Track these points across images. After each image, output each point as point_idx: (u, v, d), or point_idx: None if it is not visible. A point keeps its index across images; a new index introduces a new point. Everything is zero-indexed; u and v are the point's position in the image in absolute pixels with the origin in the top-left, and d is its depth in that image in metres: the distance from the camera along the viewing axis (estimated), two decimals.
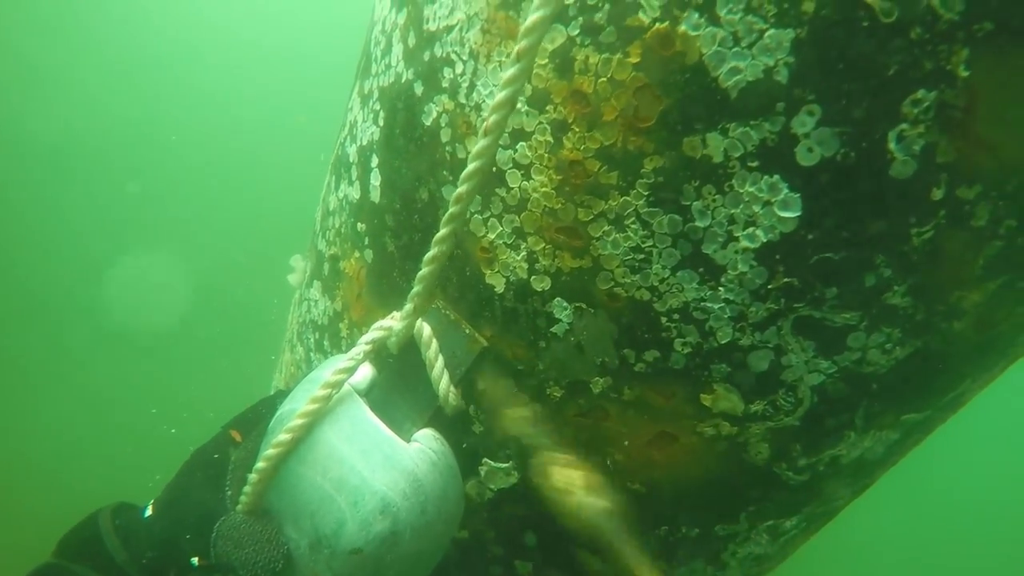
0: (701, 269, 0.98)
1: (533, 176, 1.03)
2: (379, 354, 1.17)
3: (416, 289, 1.06)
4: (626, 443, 1.17)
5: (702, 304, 1.01)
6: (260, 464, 1.08)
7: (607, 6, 0.91)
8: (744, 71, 0.86)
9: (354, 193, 1.38)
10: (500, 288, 1.13)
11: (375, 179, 1.30)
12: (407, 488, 1.06)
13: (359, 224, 1.36)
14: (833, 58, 0.82)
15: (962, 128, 0.83)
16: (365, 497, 1.04)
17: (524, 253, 1.08)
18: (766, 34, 0.83)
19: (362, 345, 1.12)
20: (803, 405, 1.10)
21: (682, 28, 0.87)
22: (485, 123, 0.94)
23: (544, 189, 1.03)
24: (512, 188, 1.06)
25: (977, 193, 0.88)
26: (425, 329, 1.12)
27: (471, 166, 0.97)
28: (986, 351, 1.11)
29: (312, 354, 1.60)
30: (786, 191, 0.90)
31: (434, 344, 1.12)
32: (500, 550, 1.38)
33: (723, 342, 1.03)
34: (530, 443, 1.12)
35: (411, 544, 1.08)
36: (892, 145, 0.85)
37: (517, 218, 1.07)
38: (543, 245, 1.06)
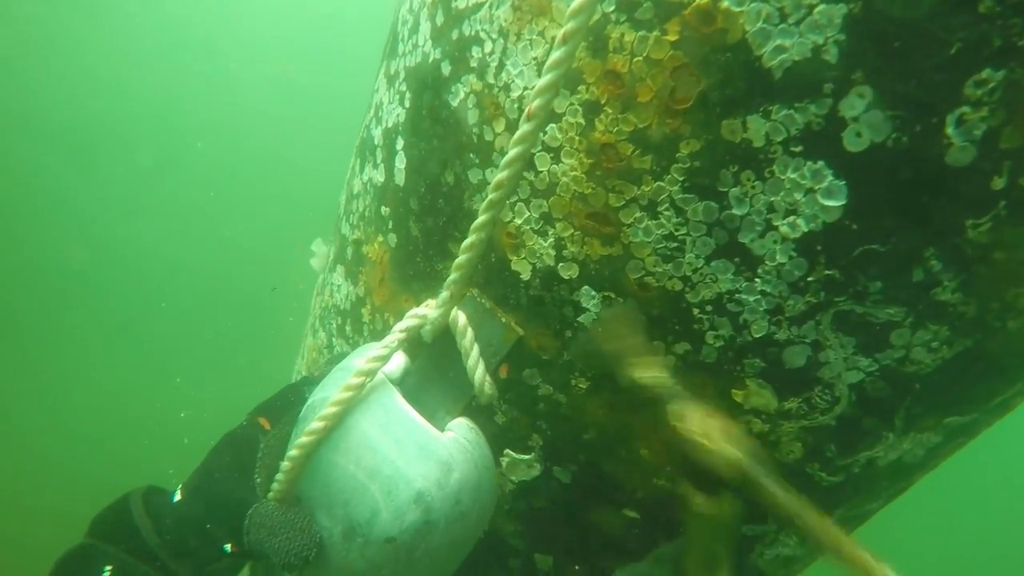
0: (737, 259, 0.94)
1: (563, 159, 0.99)
2: (413, 342, 1.14)
3: (452, 277, 1.04)
4: (653, 438, 1.13)
5: (737, 296, 0.96)
6: (293, 452, 1.07)
7: None
8: (790, 49, 0.81)
9: (379, 176, 1.35)
10: (526, 275, 1.09)
11: (400, 162, 1.27)
12: (441, 478, 1.05)
13: (383, 208, 1.34)
14: (889, 35, 0.77)
15: None
16: (399, 487, 1.03)
17: (552, 239, 1.05)
18: (816, 10, 0.78)
19: (396, 333, 1.10)
20: (840, 404, 1.05)
21: (724, 4, 0.82)
22: (528, 107, 0.90)
23: (574, 173, 0.99)
24: (541, 172, 1.02)
25: None
26: (460, 317, 1.10)
27: (512, 151, 0.93)
28: None
29: (334, 339, 1.59)
30: (831, 178, 0.85)
31: (469, 333, 1.10)
32: (520, 543, 1.35)
33: (758, 336, 0.98)
34: (662, 392, 1.04)
35: (445, 534, 1.07)
36: (950, 130, 0.80)
37: (545, 203, 1.03)
38: (572, 231, 1.02)
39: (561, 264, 1.05)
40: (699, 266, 0.96)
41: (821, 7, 0.78)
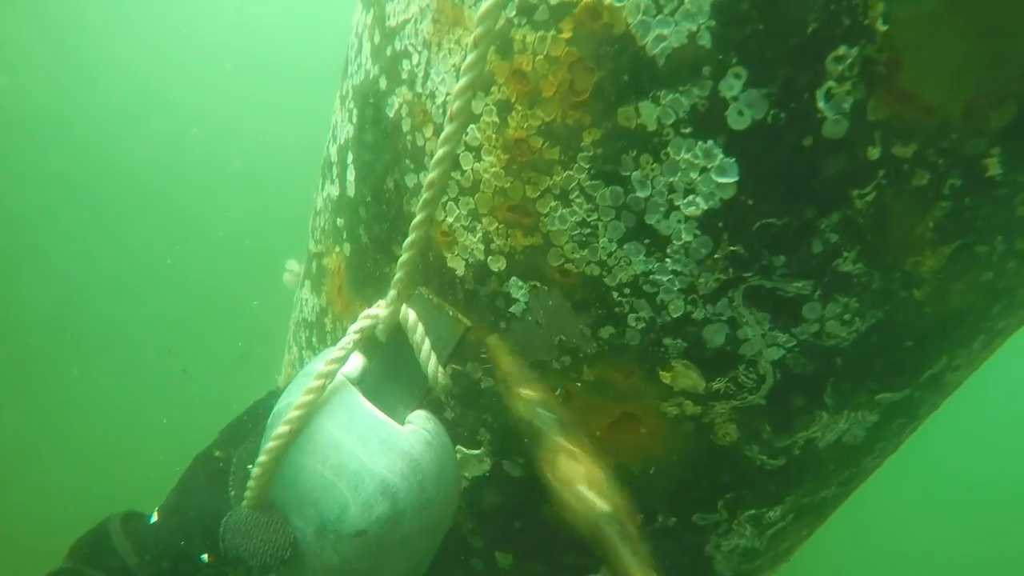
0: (647, 240, 0.99)
1: (483, 157, 1.06)
2: (368, 342, 1.20)
3: (398, 276, 1.09)
4: (591, 426, 1.17)
5: (651, 277, 1.01)
6: (262, 458, 1.11)
7: None
8: (669, 38, 0.88)
9: (334, 191, 1.43)
10: (461, 271, 1.16)
11: (350, 174, 1.35)
12: (405, 468, 1.08)
13: (338, 219, 1.41)
14: (753, 19, 0.84)
15: (888, 84, 0.83)
16: (365, 480, 1.06)
17: (480, 234, 1.11)
18: (686, 0, 0.85)
19: (351, 335, 1.16)
20: (766, 382, 1.09)
21: (607, 0, 0.89)
22: (450, 110, 0.97)
23: (494, 169, 1.06)
24: (465, 170, 1.09)
25: (914, 151, 0.87)
26: (410, 315, 1.15)
27: (439, 151, 0.99)
28: (957, 324, 1.08)
29: (304, 351, 1.65)
30: (721, 156, 0.91)
31: (420, 328, 1.15)
32: (479, 542, 1.38)
33: (676, 316, 1.03)
34: (539, 427, 1.10)
35: (413, 522, 1.10)
36: (821, 104, 0.86)
37: (472, 200, 1.10)
38: (496, 225, 1.09)
39: (490, 257, 1.11)
40: (613, 250, 1.01)
41: None
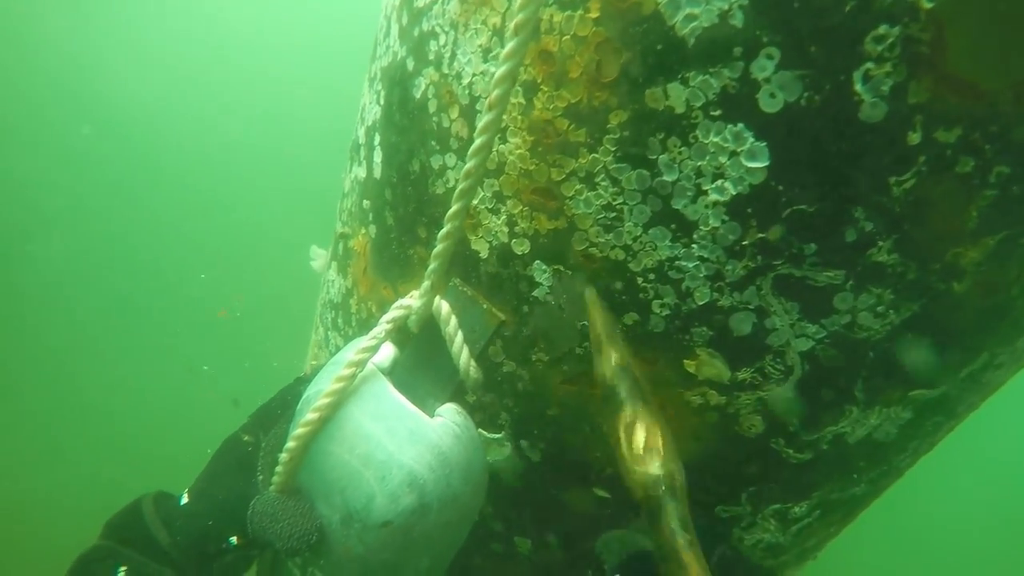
0: (673, 225, 0.97)
1: (509, 139, 1.05)
2: (400, 333, 1.20)
3: (432, 267, 1.09)
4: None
5: (676, 263, 0.99)
6: (290, 444, 1.12)
7: None
8: (700, 17, 0.85)
9: (362, 172, 1.43)
10: (484, 253, 1.15)
11: (377, 156, 1.35)
12: (432, 461, 1.09)
13: (364, 201, 1.42)
14: None
15: (932, 65, 0.79)
16: (392, 471, 1.06)
17: (504, 217, 1.10)
18: None
19: (383, 324, 1.15)
20: (794, 374, 1.06)
21: None
22: (488, 98, 0.95)
23: (519, 151, 1.04)
24: (492, 152, 1.08)
25: (958, 136, 0.83)
26: (443, 306, 1.14)
27: (477, 141, 0.98)
28: (1000, 319, 1.04)
29: (329, 332, 1.66)
30: (752, 140, 0.88)
31: (453, 320, 1.14)
32: (499, 525, 1.38)
33: (701, 303, 1.01)
34: (621, 395, 1.04)
35: (439, 515, 1.11)
36: (858, 87, 0.82)
37: (496, 182, 1.09)
38: (521, 208, 1.07)
39: (514, 240, 1.10)
40: (638, 234, 0.99)
41: None
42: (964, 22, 0.77)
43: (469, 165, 1.00)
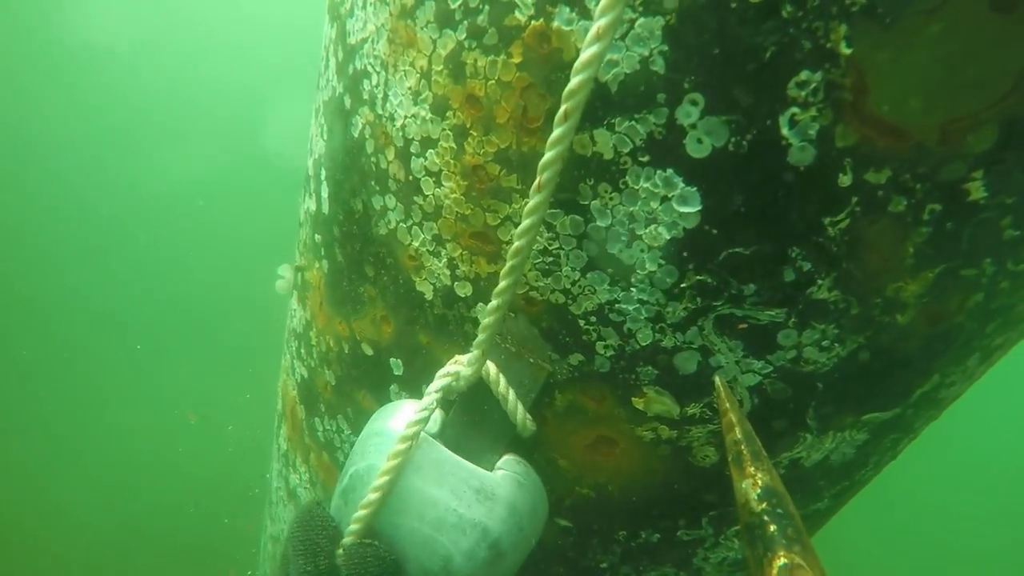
0: (610, 270, 0.95)
1: (443, 183, 1.03)
2: (445, 396, 1.15)
3: (481, 337, 1.04)
4: (568, 448, 1.15)
5: (617, 306, 0.98)
6: (353, 527, 1.11)
7: (487, 7, 0.89)
8: (620, 63, 0.82)
9: (312, 205, 1.41)
10: (429, 295, 1.13)
11: (324, 191, 1.33)
12: (503, 513, 1.09)
13: (316, 235, 1.40)
14: (707, 43, 0.78)
15: (856, 109, 0.77)
16: (466, 531, 1.08)
17: (445, 260, 1.08)
18: (636, 23, 0.80)
19: (432, 395, 1.11)
20: (744, 407, 1.05)
21: (555, 24, 0.84)
22: (538, 180, 0.87)
23: (454, 195, 1.02)
24: (427, 195, 1.06)
25: (888, 177, 0.81)
26: (490, 367, 1.11)
27: (525, 222, 0.90)
28: (948, 344, 1.03)
29: (295, 361, 1.65)
30: (682, 185, 0.86)
31: (502, 380, 1.11)
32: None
33: (644, 344, 1.00)
34: (772, 530, 0.91)
35: (513, 557, 1.13)
36: (785, 131, 0.80)
37: (435, 225, 1.07)
38: (460, 251, 1.06)
39: (456, 283, 1.08)
40: (576, 278, 0.98)
41: (641, 20, 0.80)
42: (884, 68, 0.75)
43: (517, 244, 0.92)
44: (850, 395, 1.06)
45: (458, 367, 1.08)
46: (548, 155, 0.82)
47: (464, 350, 1.13)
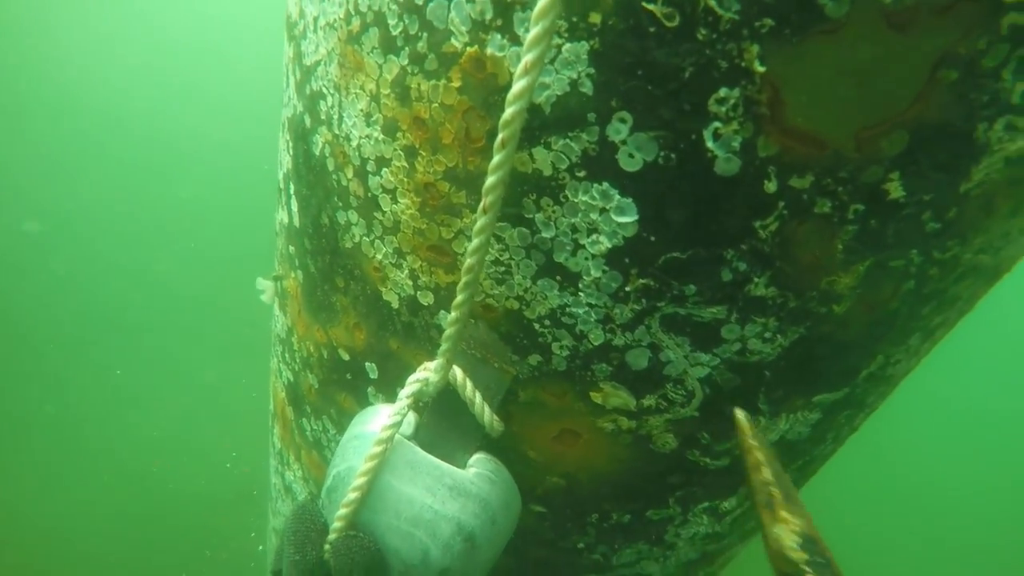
0: (558, 277, 1.00)
1: (399, 199, 1.07)
2: (418, 401, 1.21)
3: (444, 347, 1.09)
4: (535, 441, 1.21)
5: (568, 310, 1.03)
6: (336, 524, 1.18)
7: (425, 34, 0.93)
8: (552, 86, 0.86)
9: (284, 217, 1.46)
10: (395, 304, 1.18)
11: (294, 204, 1.37)
12: (475, 508, 1.16)
13: (290, 247, 1.45)
14: (630, 65, 0.82)
15: (774, 121, 0.81)
16: (441, 526, 1.14)
17: (406, 271, 1.13)
18: (564, 48, 0.84)
19: (403, 400, 1.17)
20: (696, 397, 1.11)
21: (489, 50, 0.88)
22: (483, 203, 0.91)
23: (410, 211, 1.07)
24: (385, 211, 1.10)
25: (811, 182, 0.86)
26: (457, 372, 1.16)
27: (475, 241, 0.95)
28: (886, 329, 1.08)
29: (280, 364, 1.71)
30: (618, 197, 0.91)
31: (468, 384, 1.17)
32: None
33: (597, 344, 1.05)
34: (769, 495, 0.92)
35: (487, 550, 1.20)
36: (710, 144, 0.84)
37: (395, 239, 1.12)
38: (420, 263, 1.11)
39: (419, 292, 1.14)
40: (528, 286, 1.03)
41: (568, 45, 0.83)
42: (797, 83, 0.79)
43: (469, 261, 0.97)
44: (798, 380, 1.11)
45: (427, 374, 1.14)
46: (490, 180, 0.87)
47: (431, 354, 1.19)
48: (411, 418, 1.21)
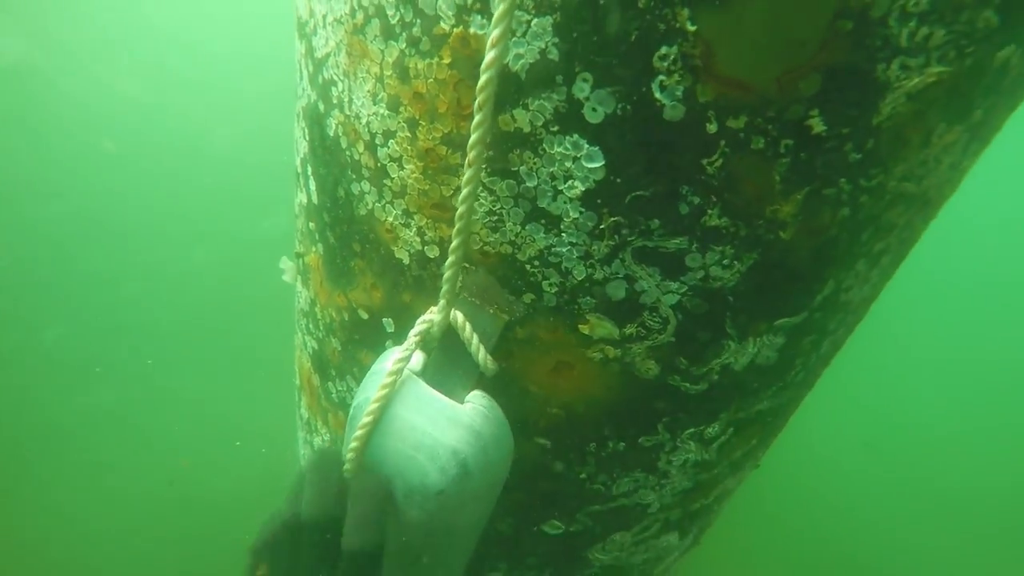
0: (543, 221, 1.18)
1: (404, 166, 1.25)
2: (426, 342, 1.39)
3: (444, 289, 1.27)
4: (534, 375, 1.39)
5: (553, 250, 1.20)
6: (352, 444, 1.34)
7: (419, 21, 1.11)
8: (525, 55, 1.04)
9: (303, 198, 1.64)
10: (407, 260, 1.36)
11: (312, 184, 1.56)
12: (469, 438, 1.32)
13: (310, 223, 1.63)
14: (588, 33, 1.00)
15: (708, 71, 0.99)
16: (439, 451, 1.30)
17: (414, 230, 1.31)
18: (532, 23, 1.02)
19: (412, 338, 1.34)
20: (671, 323, 1.28)
21: (472, 30, 1.06)
22: (468, 158, 1.10)
23: (415, 175, 1.25)
24: (393, 178, 1.28)
25: (745, 122, 1.03)
26: (458, 316, 1.33)
27: (463, 191, 1.13)
28: (830, 254, 1.24)
29: (305, 337, 1.90)
30: (587, 146, 1.08)
31: (468, 327, 1.34)
32: None
33: (580, 278, 1.22)
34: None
35: (481, 478, 1.35)
36: (658, 95, 1.02)
37: (403, 201, 1.30)
38: (425, 221, 1.29)
39: (426, 247, 1.32)
40: (518, 231, 1.20)
41: (535, 20, 1.01)
42: (724, 37, 0.96)
43: (461, 209, 1.16)
44: (759, 304, 1.28)
45: (431, 316, 1.32)
46: (472, 138, 1.05)
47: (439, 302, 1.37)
48: (420, 357, 1.39)
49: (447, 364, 1.41)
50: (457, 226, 1.15)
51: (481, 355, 1.36)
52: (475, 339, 1.35)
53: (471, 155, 1.06)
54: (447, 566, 1.43)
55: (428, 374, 1.39)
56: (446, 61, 1.11)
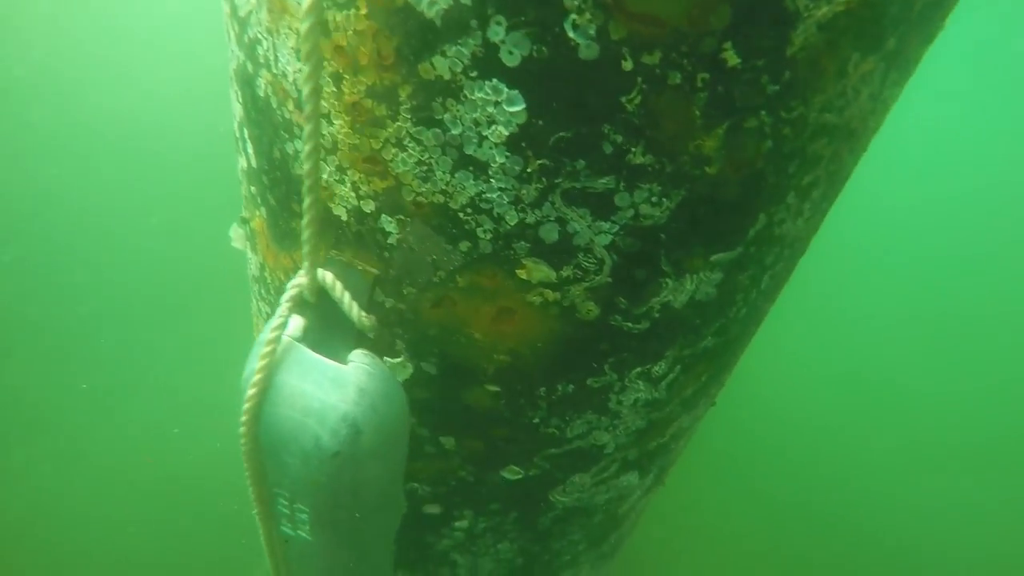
0: (471, 168, 1.19)
1: (333, 121, 1.25)
2: (301, 306, 1.42)
3: (305, 249, 1.30)
4: (478, 322, 1.41)
5: (484, 196, 1.22)
6: (243, 418, 1.38)
7: None
8: (439, 2, 1.04)
9: (244, 162, 1.64)
10: (344, 217, 1.37)
11: (249, 148, 1.55)
12: (355, 396, 1.35)
13: (251, 187, 1.63)
14: None
15: (620, 8, 1.00)
16: (327, 414, 1.33)
17: (349, 185, 1.32)
18: None
19: (284, 304, 1.38)
20: (606, 263, 1.30)
21: None
22: (304, 92, 1.14)
23: (344, 130, 1.25)
24: (324, 135, 1.28)
25: (660, 58, 1.04)
26: (327, 276, 1.36)
27: (306, 147, 1.18)
28: (759, 187, 1.27)
29: (259, 303, 1.91)
30: (507, 90, 1.09)
31: (338, 285, 1.37)
32: (425, 431, 1.66)
33: (512, 224, 1.24)
34: None
35: (374, 436, 1.38)
36: (571, 34, 1.02)
37: (336, 158, 1.30)
38: (359, 175, 1.29)
39: (362, 201, 1.32)
40: (448, 180, 1.22)
41: None
42: None
43: (307, 167, 1.20)
44: (692, 240, 1.31)
45: (300, 279, 1.34)
46: (304, 91, 1.07)
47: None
48: (299, 322, 1.41)
49: (326, 326, 1.44)
50: (306, 183, 1.17)
51: (355, 312, 1.38)
52: (347, 297, 1.37)
53: (307, 109, 1.09)
54: (374, 529, 1.48)
55: (309, 338, 1.41)
56: (363, 11, 1.11)
